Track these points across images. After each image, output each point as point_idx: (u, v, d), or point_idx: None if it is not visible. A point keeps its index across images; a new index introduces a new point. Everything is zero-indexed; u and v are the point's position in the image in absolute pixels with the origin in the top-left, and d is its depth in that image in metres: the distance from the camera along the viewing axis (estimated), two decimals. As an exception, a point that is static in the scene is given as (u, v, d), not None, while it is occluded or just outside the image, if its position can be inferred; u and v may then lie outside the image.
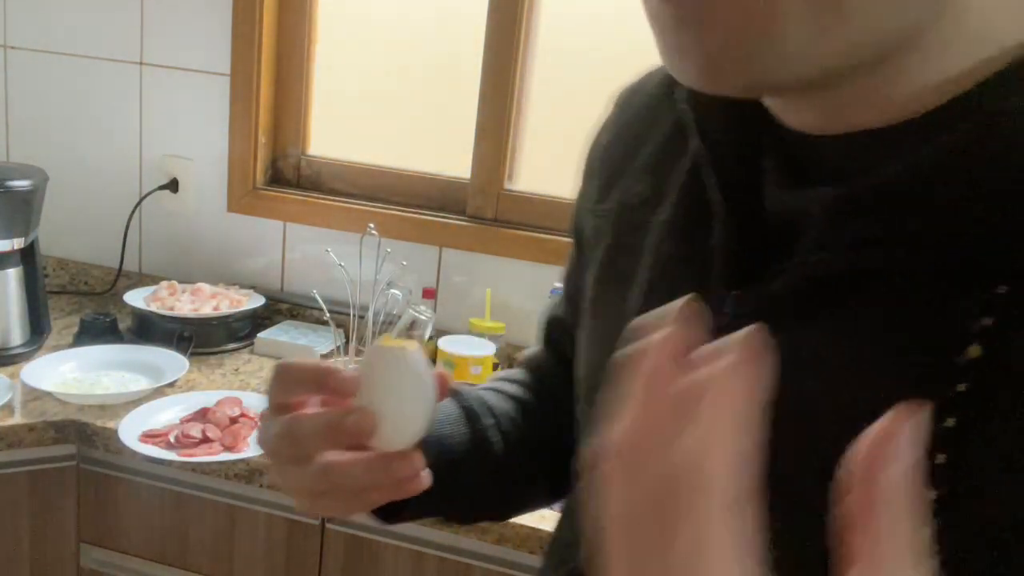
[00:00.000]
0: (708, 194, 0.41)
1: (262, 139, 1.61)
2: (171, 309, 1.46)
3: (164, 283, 1.54)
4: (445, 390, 0.48)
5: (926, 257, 0.33)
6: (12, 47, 1.68)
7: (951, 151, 0.32)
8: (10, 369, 1.30)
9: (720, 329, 0.30)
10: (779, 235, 0.38)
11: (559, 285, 0.65)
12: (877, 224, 0.34)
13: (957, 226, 0.32)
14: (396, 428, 0.43)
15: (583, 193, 0.57)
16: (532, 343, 0.69)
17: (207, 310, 1.46)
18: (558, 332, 0.64)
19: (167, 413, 1.21)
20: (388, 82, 1.58)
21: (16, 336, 1.37)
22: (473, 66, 1.49)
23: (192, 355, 1.39)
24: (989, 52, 0.33)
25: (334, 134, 1.65)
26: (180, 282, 1.55)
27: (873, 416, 0.26)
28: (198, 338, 1.43)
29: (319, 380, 0.46)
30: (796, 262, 0.36)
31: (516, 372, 0.67)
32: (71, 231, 1.70)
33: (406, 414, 0.44)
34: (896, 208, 0.33)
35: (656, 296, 0.42)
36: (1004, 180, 0.31)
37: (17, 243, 1.35)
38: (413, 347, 0.44)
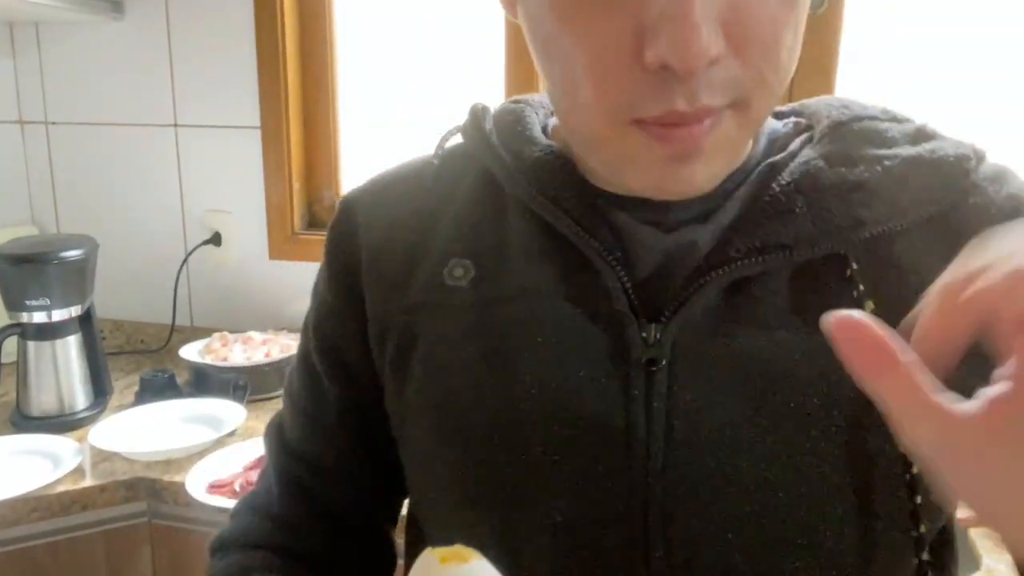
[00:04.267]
0: (585, 252, 0.46)
1: (296, 185, 1.64)
2: (225, 360, 1.49)
3: (216, 335, 1.58)
4: None
5: (797, 256, 0.44)
6: (53, 123, 1.75)
7: (774, 191, 0.45)
8: (78, 433, 1.34)
9: (650, 361, 0.44)
10: (658, 273, 0.47)
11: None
12: (757, 238, 0.44)
13: (810, 233, 0.44)
14: None
15: (342, 310, 0.55)
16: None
17: (259, 357, 1.50)
18: (315, 482, 0.59)
19: (230, 462, 1.24)
20: (413, 113, 1.61)
21: (81, 400, 1.41)
22: (497, 93, 1.51)
23: (249, 402, 1.42)
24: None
25: (366, 173, 1.68)
26: (231, 332, 1.58)
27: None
28: (253, 385, 1.46)
29: None
30: (714, 276, 0.44)
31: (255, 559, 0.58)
32: (123, 293, 1.75)
33: None
34: (766, 226, 0.45)
35: (564, 353, 0.46)
36: (832, 198, 0.45)
37: (74, 311, 1.40)
38: (477, 558, 0.34)
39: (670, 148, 0.40)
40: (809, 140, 0.49)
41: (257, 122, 1.61)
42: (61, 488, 1.17)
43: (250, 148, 1.63)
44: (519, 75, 1.49)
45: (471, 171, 0.54)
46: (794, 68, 0.41)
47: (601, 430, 0.45)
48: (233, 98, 1.62)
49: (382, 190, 0.57)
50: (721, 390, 0.44)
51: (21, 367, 1.39)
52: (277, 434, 0.62)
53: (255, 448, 1.26)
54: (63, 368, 1.40)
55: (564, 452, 0.45)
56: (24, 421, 1.38)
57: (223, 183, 1.68)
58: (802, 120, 0.52)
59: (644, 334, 0.45)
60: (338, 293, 0.56)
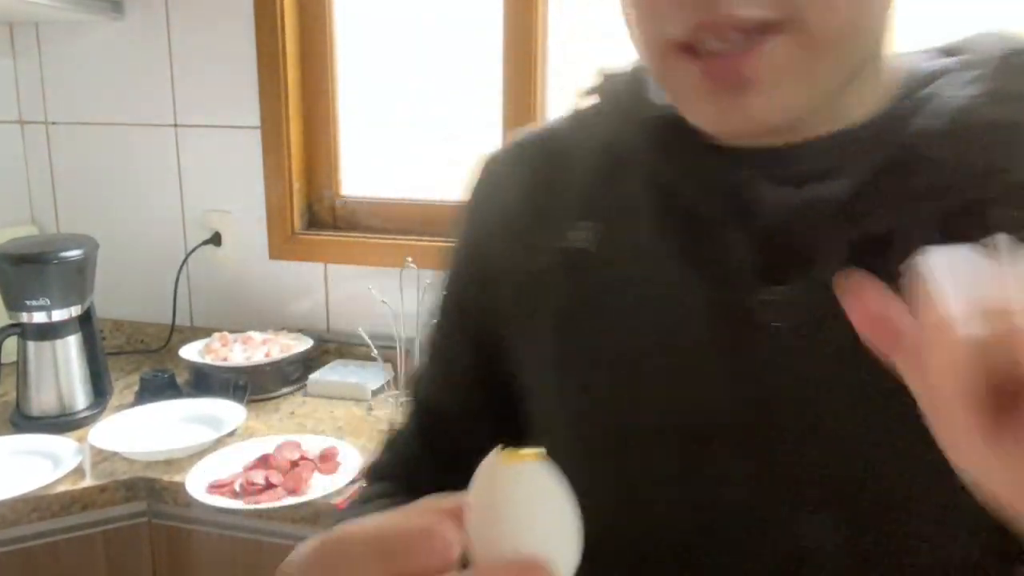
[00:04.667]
0: (704, 213, 0.46)
1: (296, 185, 1.65)
2: (225, 359, 1.49)
3: (216, 335, 1.58)
4: None
5: (935, 208, 0.41)
6: (53, 123, 1.75)
7: (913, 135, 0.42)
8: (78, 433, 1.34)
9: (771, 325, 0.42)
10: (782, 232, 0.43)
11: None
12: (891, 190, 0.41)
13: (951, 182, 0.41)
14: (555, 561, 0.32)
15: (474, 270, 0.58)
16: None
17: (259, 357, 1.50)
18: (439, 429, 0.62)
19: (230, 462, 1.24)
20: (413, 114, 1.61)
21: (80, 400, 1.42)
22: (496, 93, 1.51)
23: (248, 402, 1.42)
24: (882, 71, 0.45)
25: (365, 173, 1.68)
26: (231, 332, 1.58)
27: None
28: (253, 385, 1.46)
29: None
30: (843, 233, 0.41)
31: (376, 491, 0.62)
32: (123, 293, 1.75)
33: (560, 543, 0.33)
34: (901, 176, 0.42)
35: (685, 315, 0.46)
36: (966, 150, 0.41)
37: (74, 310, 1.40)
38: (538, 459, 0.34)
39: (712, 81, 0.40)
40: (963, 79, 0.45)
41: (257, 122, 1.61)
42: (61, 488, 1.17)
43: (250, 148, 1.63)
44: (519, 75, 1.49)
45: (597, 134, 0.54)
46: None
47: (720, 391, 0.45)
48: (233, 98, 1.62)
49: (517, 152, 0.58)
50: (846, 356, 0.40)
51: (21, 367, 1.39)
52: (416, 382, 0.66)
53: (255, 448, 1.26)
54: (63, 368, 1.40)
55: (683, 410, 0.46)
56: (24, 421, 1.38)
57: (223, 183, 1.67)
58: (960, 57, 0.47)
59: (767, 296, 0.43)
60: (471, 252, 0.59)
